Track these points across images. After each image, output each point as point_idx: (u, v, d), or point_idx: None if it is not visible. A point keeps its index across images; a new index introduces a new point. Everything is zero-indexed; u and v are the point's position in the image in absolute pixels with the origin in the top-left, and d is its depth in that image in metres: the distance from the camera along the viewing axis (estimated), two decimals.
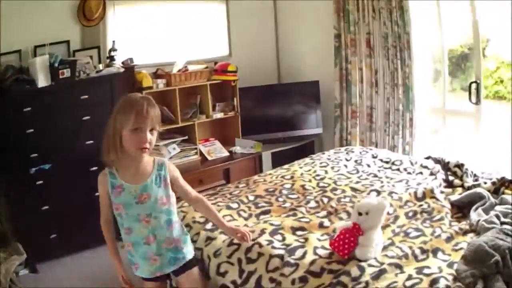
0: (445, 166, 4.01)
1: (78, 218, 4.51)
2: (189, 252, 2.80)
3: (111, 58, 4.90)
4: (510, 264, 2.42)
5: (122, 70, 4.83)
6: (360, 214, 2.73)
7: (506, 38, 4.55)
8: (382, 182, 3.86)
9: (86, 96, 4.59)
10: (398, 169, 4.15)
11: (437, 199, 3.44)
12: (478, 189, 3.37)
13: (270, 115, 6.11)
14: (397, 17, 5.00)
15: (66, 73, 4.44)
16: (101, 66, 4.80)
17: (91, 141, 4.59)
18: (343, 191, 3.69)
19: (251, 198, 3.62)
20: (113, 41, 4.97)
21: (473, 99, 4.72)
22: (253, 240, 2.92)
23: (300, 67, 6.47)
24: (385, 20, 5.15)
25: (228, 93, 5.74)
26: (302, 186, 3.83)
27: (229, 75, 5.56)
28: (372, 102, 5.56)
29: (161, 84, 5.13)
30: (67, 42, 4.82)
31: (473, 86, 4.72)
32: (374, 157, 4.49)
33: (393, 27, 5.09)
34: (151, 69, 5.29)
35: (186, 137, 5.43)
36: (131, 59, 4.98)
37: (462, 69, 5.54)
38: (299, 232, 3.06)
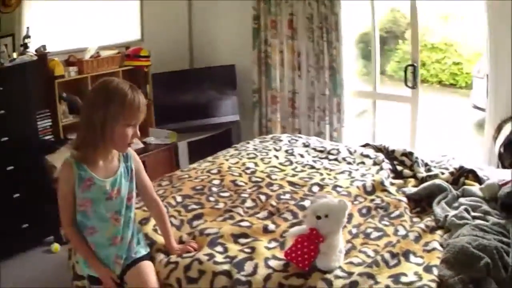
0: (389, 154, 3.70)
1: None
2: (142, 249, 2.53)
3: (25, 46, 4.46)
4: (500, 265, 2.13)
5: (35, 58, 4.41)
6: (318, 217, 2.32)
7: (427, 22, 4.41)
8: (321, 174, 3.49)
9: (1, 88, 4.11)
10: (336, 159, 3.81)
11: (389, 193, 3.12)
12: (436, 181, 3.07)
13: (184, 102, 5.71)
14: None
15: None
16: (15, 55, 4.36)
17: (6, 138, 4.15)
18: (281, 186, 3.28)
19: (179, 199, 3.12)
20: (27, 28, 4.52)
21: (410, 83, 4.48)
22: (191, 256, 2.47)
23: (215, 50, 6.10)
24: (310, 1, 4.88)
25: (140, 79, 5.29)
26: (233, 181, 3.38)
27: (141, 60, 5.20)
28: (294, 86, 5.31)
29: (73, 72, 4.73)
30: None
31: (410, 69, 4.48)
32: (305, 145, 4.13)
33: (319, 7, 4.83)
34: (65, 57, 4.84)
35: None
36: (44, 47, 4.54)
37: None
38: (242, 240, 2.62)
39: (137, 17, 5.63)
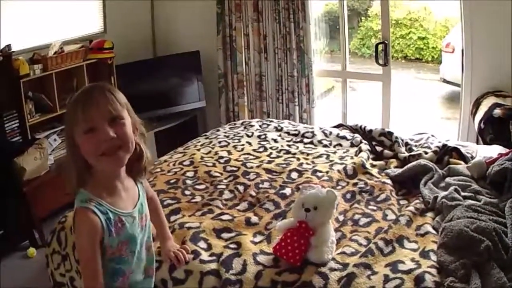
0: (366, 135, 3.62)
1: None
2: None
3: None
4: (500, 248, 2.07)
5: (0, 59, 4.17)
6: (307, 210, 2.22)
7: None
8: (298, 159, 3.40)
9: None
10: (311, 142, 3.71)
11: (372, 175, 3.04)
12: (421, 161, 2.98)
13: (149, 92, 5.53)
14: None
15: None
16: None
17: None
18: (258, 174, 3.16)
19: None
20: None
21: (381, 60, 4.42)
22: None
23: (179, 37, 5.95)
24: None
25: (105, 72, 5.14)
26: (207, 172, 3.24)
27: (105, 52, 5.03)
28: (261, 69, 5.23)
29: (38, 69, 4.49)
30: None
31: (380, 47, 4.41)
32: (278, 130, 4.02)
33: None
34: (30, 55, 4.60)
35: None
36: (8, 46, 4.27)
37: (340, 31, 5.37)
38: (225, 235, 2.50)
39: (99, 9, 5.43)
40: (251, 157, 3.48)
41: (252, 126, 4.14)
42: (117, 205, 1.74)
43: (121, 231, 1.73)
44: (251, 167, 3.27)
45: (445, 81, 7.53)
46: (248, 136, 3.90)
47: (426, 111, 7.34)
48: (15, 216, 4.00)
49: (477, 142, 3.87)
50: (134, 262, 1.82)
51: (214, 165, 3.34)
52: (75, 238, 1.71)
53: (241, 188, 3.01)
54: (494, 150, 3.21)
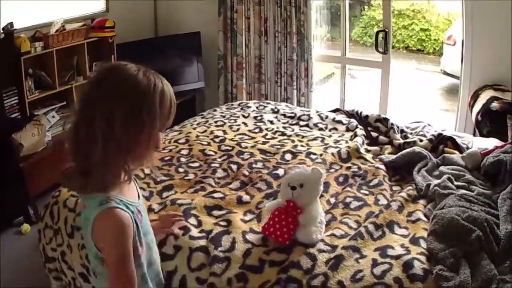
0: (362, 120, 3.60)
1: None
2: None
3: None
4: (491, 239, 2.06)
5: (2, 36, 4.15)
6: (293, 188, 2.21)
7: None
8: (293, 141, 3.39)
9: None
10: (307, 125, 3.71)
11: (366, 160, 3.03)
12: (416, 148, 2.97)
13: None
14: None
15: None
16: None
17: None
18: (252, 154, 3.16)
19: (147, 171, 2.94)
20: None
21: (381, 48, 4.43)
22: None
23: (181, 18, 5.92)
24: None
25: (105, 51, 5.13)
26: (202, 151, 3.23)
27: (106, 31, 5.03)
28: (261, 52, 5.22)
29: (39, 47, 4.47)
30: None
31: (380, 35, 4.43)
32: (275, 111, 4.00)
33: None
34: (31, 32, 4.57)
35: (65, 103, 4.82)
36: (11, 24, 4.24)
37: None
38: (216, 212, 2.49)
39: None
40: (246, 137, 3.47)
41: (249, 107, 4.12)
42: (128, 197, 1.61)
43: (141, 224, 1.64)
44: (246, 147, 3.26)
45: (445, 73, 7.54)
46: (244, 116, 3.89)
47: (425, 102, 7.34)
48: (10, 192, 3.98)
49: (474, 135, 3.86)
50: (151, 254, 1.73)
51: (209, 144, 3.33)
52: (105, 245, 1.52)
53: (234, 167, 3.00)
54: (490, 143, 3.20)
